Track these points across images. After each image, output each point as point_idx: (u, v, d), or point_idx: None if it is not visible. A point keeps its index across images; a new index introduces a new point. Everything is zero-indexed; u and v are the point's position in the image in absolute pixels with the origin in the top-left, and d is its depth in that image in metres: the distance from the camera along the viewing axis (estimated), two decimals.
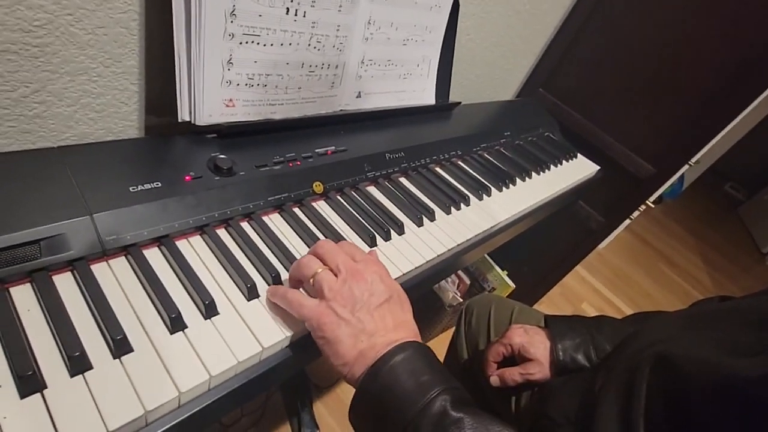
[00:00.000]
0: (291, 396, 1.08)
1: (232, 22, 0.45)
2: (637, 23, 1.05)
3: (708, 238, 2.79)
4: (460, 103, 0.87)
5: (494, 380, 0.62)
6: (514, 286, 1.33)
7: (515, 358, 0.62)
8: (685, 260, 2.48)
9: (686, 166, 1.15)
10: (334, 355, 0.38)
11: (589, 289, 1.94)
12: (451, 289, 1.23)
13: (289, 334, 0.40)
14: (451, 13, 0.73)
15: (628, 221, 1.40)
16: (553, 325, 0.60)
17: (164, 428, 0.33)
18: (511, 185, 0.80)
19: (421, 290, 0.58)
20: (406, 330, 0.39)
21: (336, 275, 0.39)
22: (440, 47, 0.76)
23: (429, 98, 0.80)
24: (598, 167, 1.06)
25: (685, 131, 1.04)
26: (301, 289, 0.43)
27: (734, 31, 0.93)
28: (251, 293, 0.42)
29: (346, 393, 1.14)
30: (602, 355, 0.55)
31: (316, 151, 0.59)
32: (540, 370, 0.58)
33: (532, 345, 0.59)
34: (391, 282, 0.41)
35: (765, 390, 0.25)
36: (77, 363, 0.32)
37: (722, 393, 0.27)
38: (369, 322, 0.37)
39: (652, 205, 1.28)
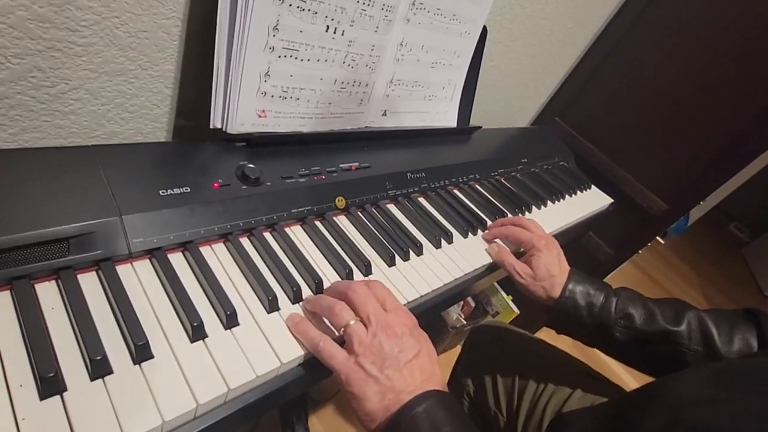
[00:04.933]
0: (287, 408, 1.06)
1: (274, 36, 0.46)
2: (659, 61, 1.07)
3: (710, 277, 2.77)
4: (480, 127, 0.87)
5: (492, 248, 0.65)
6: (519, 312, 1.32)
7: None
8: (686, 296, 2.44)
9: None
10: (361, 410, 0.37)
11: None
12: (455, 311, 1.22)
13: (306, 350, 0.40)
14: (479, 40, 0.75)
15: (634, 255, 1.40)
16: (575, 272, 0.62)
17: None
18: (526, 212, 0.80)
19: (434, 313, 0.58)
20: (433, 383, 0.39)
21: (366, 326, 0.39)
22: (466, 72, 0.77)
23: (451, 121, 0.81)
24: (611, 200, 1.07)
25: (701, 170, 1.04)
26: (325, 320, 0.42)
27: (756, 76, 0.94)
28: (272, 306, 0.41)
29: (342, 409, 1.12)
30: (603, 317, 0.57)
31: (341, 166, 0.59)
32: (529, 282, 0.61)
33: (542, 260, 0.61)
34: (419, 334, 0.41)
35: None
36: (99, 366, 0.31)
37: None
38: (397, 380, 0.37)
39: (661, 241, 1.28)
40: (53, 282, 0.36)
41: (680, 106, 1.06)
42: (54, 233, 0.35)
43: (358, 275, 0.50)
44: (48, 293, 0.35)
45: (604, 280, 1.38)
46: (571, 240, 0.96)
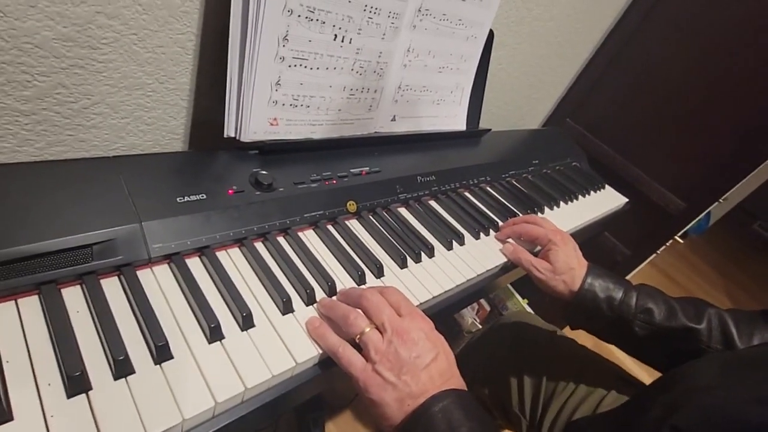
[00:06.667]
0: (304, 413, 1.06)
1: (284, 46, 0.48)
2: (669, 59, 1.06)
3: (734, 277, 2.69)
4: (490, 129, 0.87)
5: (507, 247, 0.65)
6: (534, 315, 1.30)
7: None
8: (710, 298, 2.37)
9: (715, 203, 1.13)
10: (381, 416, 0.38)
11: None
12: (470, 315, 1.22)
13: (321, 351, 0.41)
14: (485, 44, 0.75)
15: (653, 255, 1.38)
16: (594, 266, 0.62)
17: None
18: (539, 213, 0.80)
19: (446, 315, 0.58)
20: (452, 385, 0.39)
21: (381, 333, 0.39)
22: (473, 75, 0.78)
23: (460, 124, 0.81)
24: (626, 200, 1.05)
25: (718, 168, 1.02)
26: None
27: None
28: (286, 307, 0.42)
29: (359, 414, 1.12)
30: (623, 311, 0.57)
31: (351, 171, 0.60)
32: (549, 277, 0.60)
33: (560, 253, 0.61)
34: (436, 337, 0.41)
35: None
36: (122, 366, 0.33)
37: None
38: (415, 385, 0.37)
39: (680, 241, 1.25)
40: (78, 287, 0.37)
41: (693, 102, 1.04)
42: (78, 240, 0.37)
43: (370, 277, 0.51)
44: (73, 297, 0.36)
45: None
46: (586, 240, 0.95)
